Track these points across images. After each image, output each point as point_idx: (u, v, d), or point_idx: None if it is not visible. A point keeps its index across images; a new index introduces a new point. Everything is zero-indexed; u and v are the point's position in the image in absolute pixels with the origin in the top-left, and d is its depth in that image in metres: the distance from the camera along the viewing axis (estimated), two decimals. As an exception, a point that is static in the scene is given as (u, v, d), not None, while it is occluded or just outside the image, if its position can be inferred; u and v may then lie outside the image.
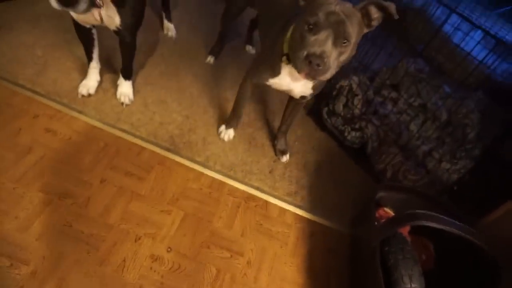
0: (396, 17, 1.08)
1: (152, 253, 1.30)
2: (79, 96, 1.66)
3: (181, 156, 1.62)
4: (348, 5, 1.11)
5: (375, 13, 1.12)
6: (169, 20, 2.20)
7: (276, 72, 1.37)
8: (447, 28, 2.73)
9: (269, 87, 1.47)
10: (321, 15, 1.07)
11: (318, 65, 1.08)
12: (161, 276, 1.25)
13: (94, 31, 1.52)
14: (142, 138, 1.62)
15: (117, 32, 1.42)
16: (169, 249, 1.33)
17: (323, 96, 2.08)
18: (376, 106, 2.01)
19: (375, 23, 1.14)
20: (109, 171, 1.47)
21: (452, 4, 1.84)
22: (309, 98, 1.52)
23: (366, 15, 1.13)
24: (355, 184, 1.84)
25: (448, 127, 2.13)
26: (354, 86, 1.94)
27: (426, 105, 2.14)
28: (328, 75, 1.14)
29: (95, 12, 1.28)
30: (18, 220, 1.24)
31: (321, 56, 1.07)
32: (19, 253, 1.17)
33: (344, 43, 1.10)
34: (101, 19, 1.31)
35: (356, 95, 1.93)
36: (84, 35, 1.52)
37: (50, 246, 1.21)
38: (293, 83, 1.38)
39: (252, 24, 2.23)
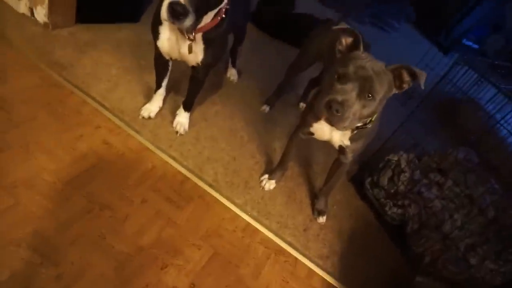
0: (423, 87, 1.14)
1: (175, 286, 1.26)
2: (140, 117, 1.75)
3: (222, 194, 1.62)
4: (380, 64, 1.17)
5: (406, 77, 1.17)
6: (234, 65, 2.34)
7: (318, 117, 1.40)
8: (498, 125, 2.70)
9: (314, 140, 1.53)
10: (351, 68, 1.14)
11: (337, 111, 1.12)
12: (179, 312, 1.21)
13: (170, 63, 1.64)
14: (188, 169, 1.65)
15: (195, 67, 1.52)
16: (192, 286, 1.29)
17: (368, 165, 2.07)
18: (420, 188, 1.96)
19: (405, 86, 1.19)
20: (152, 193, 1.50)
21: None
22: (350, 158, 1.52)
23: (398, 77, 1.18)
24: (389, 262, 1.75)
25: (495, 225, 2.03)
26: (403, 162, 1.92)
27: (472, 197, 2.06)
28: (346, 124, 1.16)
29: (184, 44, 1.37)
30: (58, 220, 1.26)
31: (342, 103, 1.12)
32: (52, 253, 1.18)
33: (368, 97, 1.14)
34: (189, 52, 1.39)
35: (404, 172, 1.90)
36: (162, 65, 1.63)
37: (81, 254, 1.21)
38: (332, 131, 1.41)
39: (310, 83, 2.31)
